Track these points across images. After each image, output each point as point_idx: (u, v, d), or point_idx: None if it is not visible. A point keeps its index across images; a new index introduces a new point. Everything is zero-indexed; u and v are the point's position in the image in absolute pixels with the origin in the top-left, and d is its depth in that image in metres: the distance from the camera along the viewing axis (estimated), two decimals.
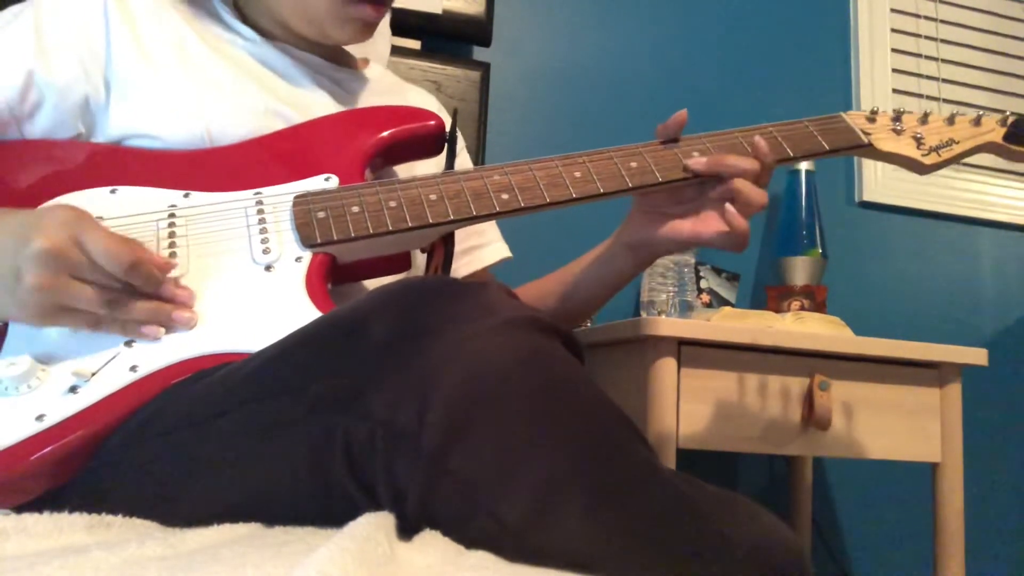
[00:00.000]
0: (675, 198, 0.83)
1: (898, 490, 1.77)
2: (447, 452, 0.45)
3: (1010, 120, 0.87)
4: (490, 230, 1.03)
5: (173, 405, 0.60)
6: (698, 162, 0.79)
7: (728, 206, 0.77)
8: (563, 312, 0.96)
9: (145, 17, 0.83)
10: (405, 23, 1.43)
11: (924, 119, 0.87)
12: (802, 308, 1.48)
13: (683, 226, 0.81)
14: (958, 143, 0.86)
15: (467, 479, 0.45)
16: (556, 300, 0.95)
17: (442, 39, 1.52)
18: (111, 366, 0.63)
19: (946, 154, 0.85)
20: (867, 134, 0.85)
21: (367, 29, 0.87)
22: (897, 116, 0.87)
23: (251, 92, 0.83)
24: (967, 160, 1.99)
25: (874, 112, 0.87)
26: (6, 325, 0.66)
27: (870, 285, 1.85)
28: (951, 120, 0.87)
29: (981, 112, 0.88)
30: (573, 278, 0.94)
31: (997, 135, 0.86)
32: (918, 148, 0.85)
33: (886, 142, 0.85)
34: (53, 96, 0.77)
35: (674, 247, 0.83)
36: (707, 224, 0.79)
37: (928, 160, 0.85)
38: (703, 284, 1.57)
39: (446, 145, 0.86)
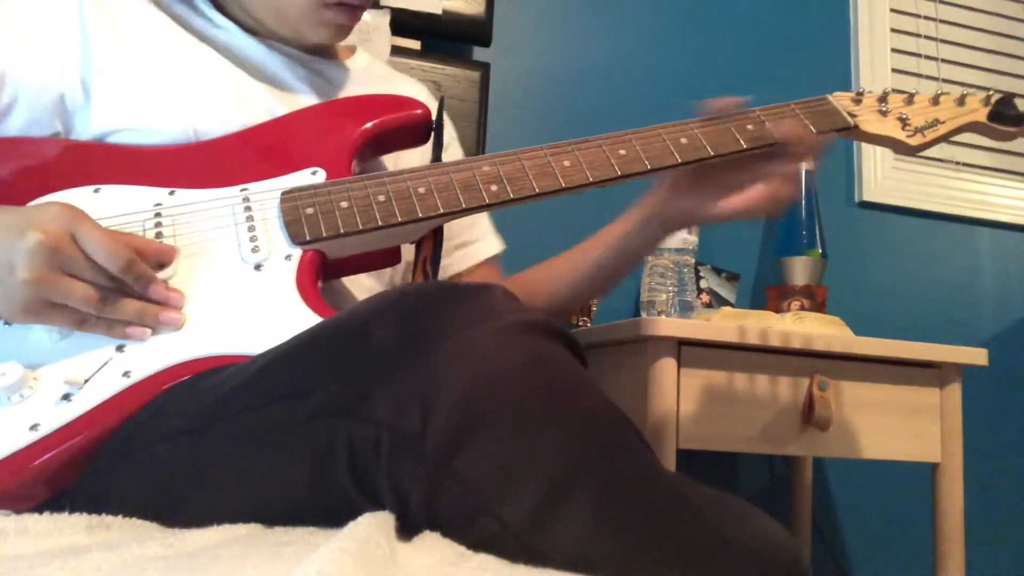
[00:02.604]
0: (708, 172, 0.82)
1: (898, 490, 1.77)
2: (451, 454, 0.45)
3: (993, 99, 0.86)
4: (481, 224, 1.01)
5: (171, 410, 0.59)
6: (779, 128, 0.80)
7: (776, 186, 0.79)
8: (574, 293, 0.95)
9: (122, 10, 0.82)
10: (405, 23, 1.43)
11: (910, 100, 0.87)
12: (802, 308, 1.48)
13: (728, 203, 0.81)
14: (943, 123, 0.85)
15: (471, 481, 0.45)
16: (580, 279, 0.94)
17: (442, 39, 1.52)
18: (103, 372, 0.62)
19: (931, 134, 0.85)
20: (853, 116, 0.84)
21: (341, 31, 0.87)
22: (883, 97, 0.86)
23: (234, 83, 0.83)
24: (967, 160, 2.00)
25: (860, 93, 0.86)
26: None
27: (870, 285, 1.85)
28: (936, 100, 0.87)
29: (965, 91, 0.87)
30: (598, 254, 0.92)
31: (981, 114, 0.86)
32: (903, 129, 0.84)
33: (871, 123, 0.85)
34: (27, 96, 0.76)
35: (713, 220, 0.84)
36: (749, 198, 0.80)
37: (913, 141, 0.84)
38: (703, 284, 1.57)
39: (432, 134, 0.86)
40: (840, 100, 0.86)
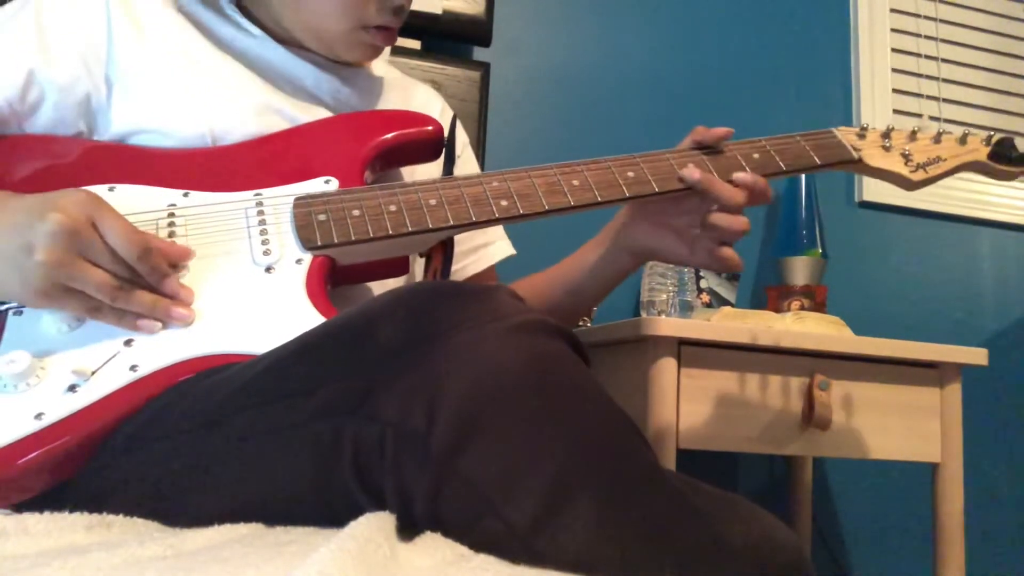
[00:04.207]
0: (678, 208, 0.84)
1: (898, 490, 1.77)
2: (456, 454, 0.45)
3: (994, 139, 0.89)
4: (494, 228, 1.03)
5: (177, 406, 0.59)
6: (691, 173, 0.80)
7: (716, 250, 0.81)
8: (568, 308, 0.97)
9: (147, 13, 0.83)
10: (405, 23, 1.42)
11: (912, 136, 0.89)
12: (802, 308, 1.48)
13: (680, 251, 0.85)
14: (944, 160, 0.88)
15: (475, 481, 0.45)
16: (560, 297, 0.96)
17: (442, 39, 1.52)
18: (111, 365, 0.62)
19: (933, 171, 0.87)
20: (857, 150, 0.87)
21: (376, 52, 0.89)
22: (886, 133, 0.89)
23: (254, 89, 0.83)
24: None
25: (864, 128, 0.89)
26: (3, 320, 0.66)
27: (870, 285, 1.85)
28: (938, 138, 0.89)
29: (967, 131, 0.89)
30: (577, 277, 0.95)
31: (982, 154, 0.88)
32: (906, 165, 0.87)
33: (875, 158, 0.87)
34: (54, 94, 0.77)
35: (671, 261, 0.88)
36: (699, 254, 0.83)
37: (916, 177, 0.87)
38: (703, 284, 1.57)
39: (444, 150, 0.87)
40: (845, 134, 0.88)
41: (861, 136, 0.88)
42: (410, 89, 1.01)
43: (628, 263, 0.91)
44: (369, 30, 0.84)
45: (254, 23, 0.88)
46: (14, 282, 0.61)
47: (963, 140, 0.89)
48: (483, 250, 1.01)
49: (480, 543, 0.44)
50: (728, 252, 0.81)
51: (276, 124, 0.82)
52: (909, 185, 0.87)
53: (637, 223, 0.87)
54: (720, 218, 0.79)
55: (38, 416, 0.59)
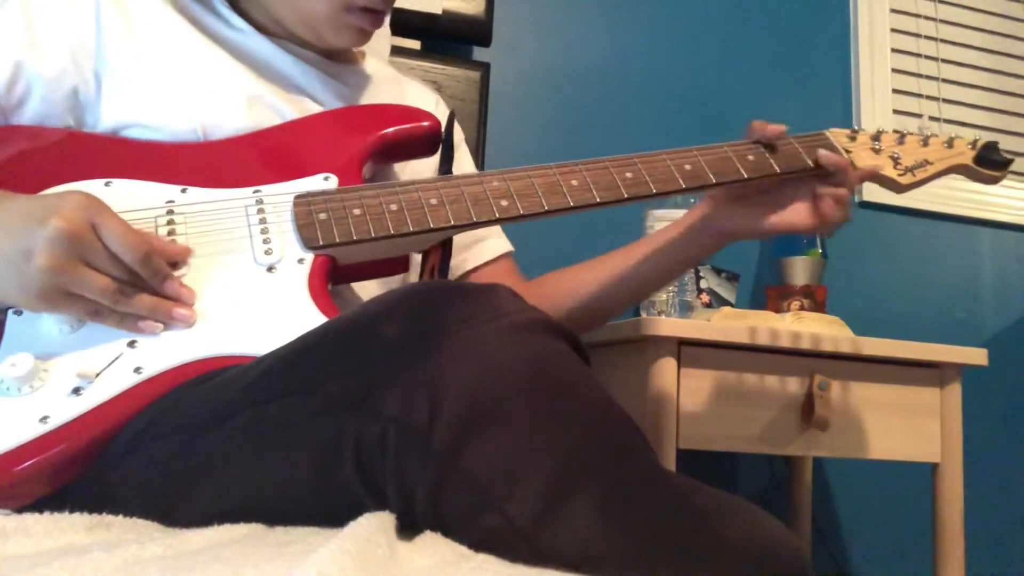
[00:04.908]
0: (753, 189, 0.86)
1: (898, 490, 1.77)
2: (457, 450, 0.46)
3: (980, 144, 0.89)
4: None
5: (179, 407, 0.59)
6: (829, 157, 0.84)
7: (826, 209, 0.84)
8: (611, 301, 0.95)
9: (137, 6, 0.82)
10: (405, 23, 1.43)
11: (901, 139, 0.90)
12: (802, 308, 1.48)
13: (797, 219, 0.86)
14: (932, 164, 0.89)
15: (477, 477, 0.45)
16: (600, 291, 0.94)
17: (442, 39, 1.52)
18: (115, 367, 0.62)
19: (921, 174, 0.88)
20: (848, 152, 0.87)
21: (364, 36, 0.87)
22: (876, 136, 0.90)
23: (244, 84, 0.83)
24: None
25: (855, 131, 0.90)
26: (1, 322, 0.65)
27: (870, 285, 1.85)
28: (926, 141, 0.90)
29: (953, 135, 0.90)
30: (635, 266, 0.93)
31: (967, 157, 0.89)
32: (895, 167, 0.88)
33: (865, 160, 0.88)
34: (41, 88, 0.76)
35: (761, 236, 0.89)
36: (800, 216, 0.85)
37: (904, 180, 0.88)
38: (703, 284, 1.57)
39: (441, 145, 0.86)
40: (836, 136, 0.89)
41: (852, 138, 0.89)
42: (403, 86, 1.01)
43: (711, 245, 0.91)
44: (355, 11, 0.83)
45: (244, 17, 0.87)
46: (12, 287, 0.61)
47: (950, 143, 0.90)
48: (477, 246, 0.99)
49: (481, 539, 0.44)
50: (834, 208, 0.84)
51: (266, 118, 0.82)
52: (898, 188, 0.88)
53: (726, 207, 0.88)
54: (842, 200, 0.84)
55: (43, 419, 0.59)
